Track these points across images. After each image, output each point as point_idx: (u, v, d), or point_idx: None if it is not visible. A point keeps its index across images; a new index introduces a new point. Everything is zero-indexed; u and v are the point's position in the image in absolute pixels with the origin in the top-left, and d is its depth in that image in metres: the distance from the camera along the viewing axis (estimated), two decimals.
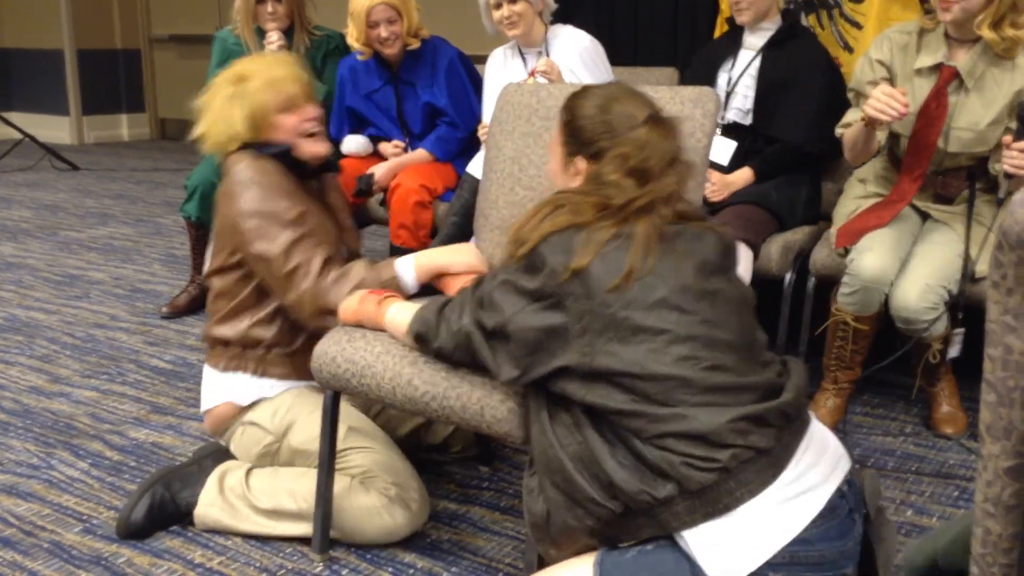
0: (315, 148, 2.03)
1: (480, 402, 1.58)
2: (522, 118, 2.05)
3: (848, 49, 2.95)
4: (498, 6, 2.88)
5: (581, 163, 1.54)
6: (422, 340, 1.62)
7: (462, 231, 2.93)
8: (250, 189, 1.92)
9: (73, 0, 7.68)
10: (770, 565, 1.25)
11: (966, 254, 2.28)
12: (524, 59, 3.01)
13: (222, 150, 2.01)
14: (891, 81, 2.38)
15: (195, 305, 3.39)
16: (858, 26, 2.92)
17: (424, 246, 3.13)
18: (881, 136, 2.34)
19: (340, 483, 1.88)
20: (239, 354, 2.00)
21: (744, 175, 2.69)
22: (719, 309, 1.39)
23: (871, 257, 2.28)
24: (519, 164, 2.04)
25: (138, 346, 3.08)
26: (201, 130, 2.01)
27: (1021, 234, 0.74)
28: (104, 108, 8.01)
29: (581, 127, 1.54)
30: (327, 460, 1.83)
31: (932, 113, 2.29)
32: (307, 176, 2.05)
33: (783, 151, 2.69)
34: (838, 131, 2.45)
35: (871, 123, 2.21)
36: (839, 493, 1.32)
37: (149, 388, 2.75)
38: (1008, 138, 2.08)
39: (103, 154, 7.30)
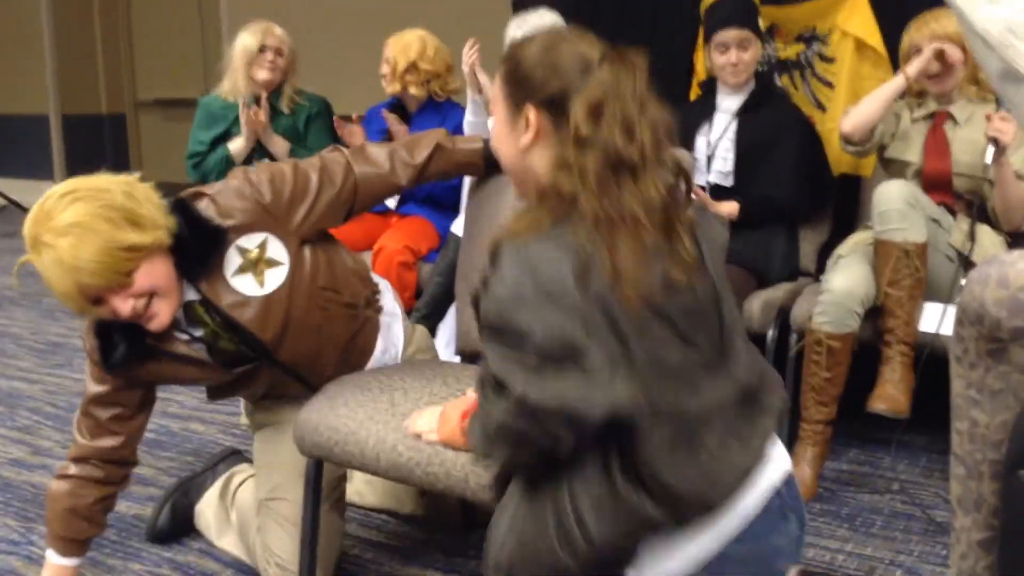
0: (153, 326, 1.75)
1: (464, 468, 1.57)
2: (502, 183, 2.07)
3: (821, 108, 3.00)
4: None
5: (531, 112, 1.31)
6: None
7: (447, 291, 2.94)
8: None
9: (58, 66, 7.75)
10: (703, 566, 1.24)
11: (961, 261, 2.41)
12: None
13: None
14: (897, 122, 2.64)
15: None
16: (830, 85, 2.98)
17: (409, 307, 3.14)
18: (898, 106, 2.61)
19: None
20: None
21: (730, 206, 2.69)
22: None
23: (842, 273, 2.39)
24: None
25: None
26: None
27: (979, 310, 0.76)
28: (89, 172, 8.01)
29: (528, 73, 1.32)
30: (310, 534, 1.82)
31: (936, 145, 2.53)
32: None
33: (765, 202, 2.72)
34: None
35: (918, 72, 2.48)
36: (776, 492, 1.29)
37: None
38: (991, 113, 2.36)
39: None
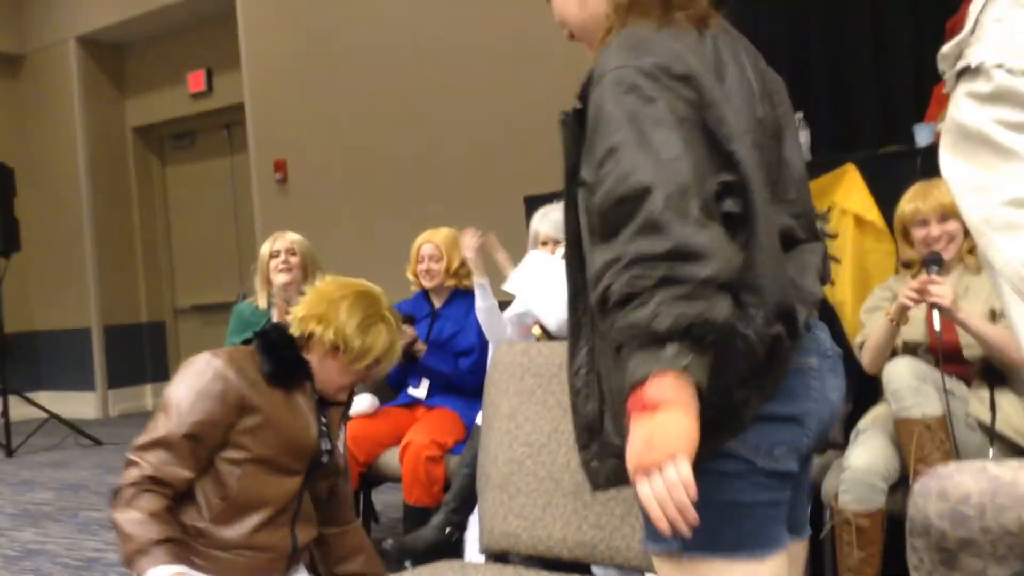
0: (339, 396, 2.15)
1: None
2: (515, 376, 2.13)
3: (829, 282, 3.07)
4: (544, 244, 3.12)
5: None
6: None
7: (474, 483, 2.93)
8: (192, 379, 1.94)
9: (101, 281, 8.10)
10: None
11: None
12: None
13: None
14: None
15: None
16: (836, 260, 3.04)
17: (438, 501, 3.13)
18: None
19: None
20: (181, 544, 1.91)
21: None
22: None
23: (862, 449, 2.38)
24: (515, 421, 2.09)
25: None
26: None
27: (924, 522, 0.79)
28: (129, 380, 8.24)
29: None
30: None
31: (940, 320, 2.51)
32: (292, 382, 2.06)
33: None
34: (857, 348, 2.61)
35: (900, 315, 2.44)
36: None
37: None
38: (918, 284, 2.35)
39: (127, 426, 7.40)
